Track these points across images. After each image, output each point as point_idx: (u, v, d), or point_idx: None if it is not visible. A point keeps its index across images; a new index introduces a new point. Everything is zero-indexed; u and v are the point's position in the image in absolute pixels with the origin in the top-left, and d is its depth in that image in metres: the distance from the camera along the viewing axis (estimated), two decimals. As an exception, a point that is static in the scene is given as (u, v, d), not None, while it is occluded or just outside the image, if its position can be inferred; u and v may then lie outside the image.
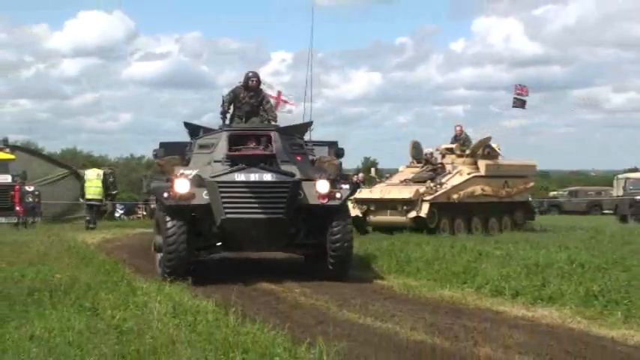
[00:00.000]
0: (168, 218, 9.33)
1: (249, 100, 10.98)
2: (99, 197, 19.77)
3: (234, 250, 10.34)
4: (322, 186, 9.59)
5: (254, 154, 9.91)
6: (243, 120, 10.91)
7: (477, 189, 17.47)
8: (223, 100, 10.97)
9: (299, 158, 10.24)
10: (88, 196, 19.65)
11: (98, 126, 73.58)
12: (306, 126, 12.26)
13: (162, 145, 12.15)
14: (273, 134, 10.23)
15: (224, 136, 10.14)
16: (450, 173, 17.46)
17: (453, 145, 18.85)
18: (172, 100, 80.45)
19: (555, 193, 45.77)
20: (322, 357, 5.47)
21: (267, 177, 9.35)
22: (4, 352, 5.51)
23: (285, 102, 19.46)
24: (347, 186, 10.22)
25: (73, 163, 27.99)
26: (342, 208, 10.00)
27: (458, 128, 19.54)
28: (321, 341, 5.79)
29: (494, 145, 19.07)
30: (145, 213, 25.25)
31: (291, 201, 9.39)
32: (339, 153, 11.65)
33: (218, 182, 9.23)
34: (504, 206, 18.60)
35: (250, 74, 11.09)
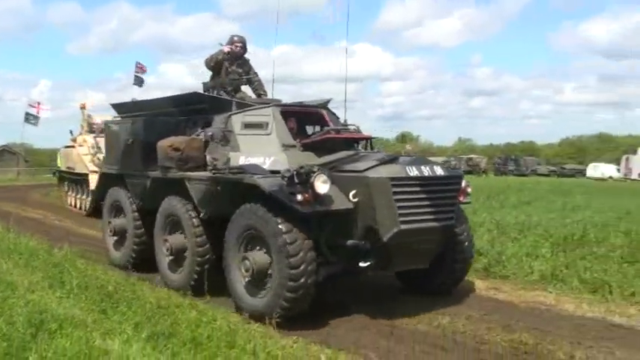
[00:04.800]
0: (289, 233, 5.89)
1: (236, 69, 8.46)
2: None
3: (379, 270, 6.56)
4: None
5: (350, 137, 7.35)
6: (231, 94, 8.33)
7: None
8: (212, 67, 8.44)
9: None
10: None
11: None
12: (326, 103, 8.33)
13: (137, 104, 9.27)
14: (326, 112, 7.78)
15: (277, 113, 7.26)
16: None
17: None
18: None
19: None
20: (67, 254, 8.06)
21: (439, 171, 6.39)
22: None
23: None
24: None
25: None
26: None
27: None
28: (67, 245, 8.56)
29: None
30: None
31: (457, 201, 6.79)
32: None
33: (392, 179, 6.00)
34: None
35: (236, 38, 8.50)
